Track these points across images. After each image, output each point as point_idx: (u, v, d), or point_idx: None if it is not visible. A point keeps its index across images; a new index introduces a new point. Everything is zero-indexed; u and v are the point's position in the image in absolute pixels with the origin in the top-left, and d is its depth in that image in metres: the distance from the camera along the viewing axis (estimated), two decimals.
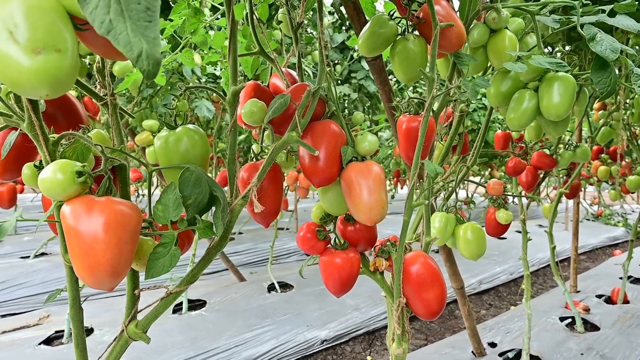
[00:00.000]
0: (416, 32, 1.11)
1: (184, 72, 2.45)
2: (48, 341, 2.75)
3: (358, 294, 4.01)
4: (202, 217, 0.80)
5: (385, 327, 3.70)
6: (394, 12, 1.11)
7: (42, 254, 4.52)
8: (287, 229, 7.00)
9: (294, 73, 1.22)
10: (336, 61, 3.92)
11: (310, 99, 0.87)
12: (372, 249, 1.12)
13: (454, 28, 1.06)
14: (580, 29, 1.01)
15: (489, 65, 1.26)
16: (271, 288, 3.91)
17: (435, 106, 1.15)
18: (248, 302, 3.50)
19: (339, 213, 1.01)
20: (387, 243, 1.09)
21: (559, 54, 1.62)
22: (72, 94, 1.11)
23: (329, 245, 1.07)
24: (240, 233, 6.38)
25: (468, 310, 2.17)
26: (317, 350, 3.04)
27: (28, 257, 4.51)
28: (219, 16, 1.90)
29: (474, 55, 1.23)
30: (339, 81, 4.05)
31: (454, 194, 1.48)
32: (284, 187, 0.96)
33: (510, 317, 3.37)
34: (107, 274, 0.60)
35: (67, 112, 0.96)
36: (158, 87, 2.49)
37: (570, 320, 3.18)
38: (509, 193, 1.66)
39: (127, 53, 0.44)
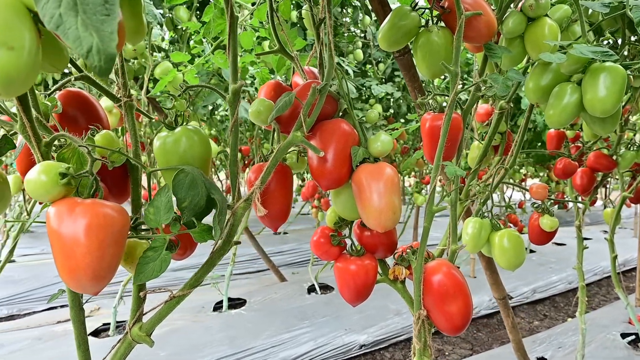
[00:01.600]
0: (442, 24, 1.03)
1: (223, 74, 2.47)
2: (95, 333, 2.89)
3: (401, 298, 3.90)
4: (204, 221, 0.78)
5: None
6: (417, 3, 1.04)
7: None
8: None
9: (316, 71, 1.17)
10: (379, 59, 3.83)
11: (316, 97, 0.82)
12: (393, 255, 1.05)
13: (482, 17, 0.97)
14: (629, 12, 0.89)
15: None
16: (311, 289, 3.88)
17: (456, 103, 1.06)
18: (287, 302, 3.50)
19: (352, 218, 0.96)
20: (408, 250, 1.02)
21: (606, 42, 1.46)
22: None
23: (345, 251, 1.02)
24: (285, 233, 6.42)
25: (512, 322, 2.02)
26: (355, 355, 2.98)
27: None
28: (251, 15, 1.90)
29: (510, 47, 1.13)
30: (383, 80, 3.95)
31: (491, 197, 1.37)
32: (292, 190, 0.91)
33: (564, 330, 3.13)
34: (87, 278, 0.58)
35: (87, 113, 0.97)
36: (199, 89, 2.54)
37: (633, 337, 2.89)
38: (554, 198, 1.52)
39: (76, 48, 0.42)
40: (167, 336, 2.83)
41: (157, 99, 2.80)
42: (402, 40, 1.04)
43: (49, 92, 0.95)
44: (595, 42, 1.05)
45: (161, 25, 2.42)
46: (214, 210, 0.77)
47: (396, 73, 3.83)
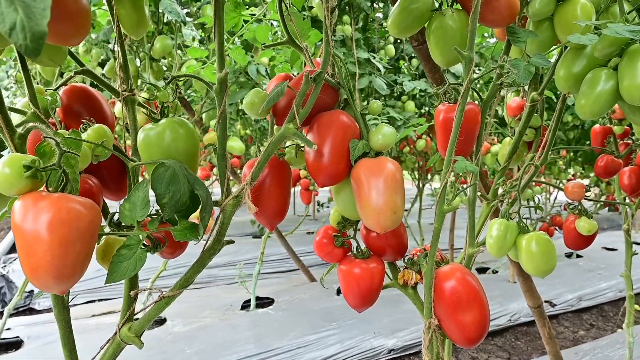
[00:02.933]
0: (458, 6, 0.94)
1: (249, 71, 2.46)
2: None
3: None
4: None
5: None
6: None
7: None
8: None
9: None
10: (412, 55, 3.70)
11: (311, 86, 0.76)
12: (402, 259, 0.98)
13: None
14: None
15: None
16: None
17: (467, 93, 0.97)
18: (316, 303, 3.45)
19: (355, 217, 0.89)
20: (419, 253, 0.94)
21: None
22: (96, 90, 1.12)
23: (350, 253, 0.95)
24: (310, 233, 6.39)
25: (549, 332, 1.87)
26: (383, 359, 2.89)
27: None
28: (268, 10, 1.86)
29: (537, 31, 1.02)
30: (417, 76, 3.82)
31: (519, 197, 1.25)
32: (290, 187, 0.86)
33: (611, 342, 2.90)
34: (50, 276, 0.55)
35: (91, 108, 0.95)
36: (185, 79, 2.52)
37: None
38: (593, 198, 1.38)
39: None
40: (194, 333, 2.86)
41: (186, 98, 2.82)
42: (414, 25, 0.96)
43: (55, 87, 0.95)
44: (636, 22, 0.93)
45: (184, 24, 2.44)
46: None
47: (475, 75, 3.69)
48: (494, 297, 3.94)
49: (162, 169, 0.67)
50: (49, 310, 3.60)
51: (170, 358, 2.56)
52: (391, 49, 3.52)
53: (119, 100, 0.93)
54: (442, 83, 1.32)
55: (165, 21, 2.53)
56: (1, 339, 2.56)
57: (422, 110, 4.06)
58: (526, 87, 1.46)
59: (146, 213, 0.64)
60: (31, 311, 3.56)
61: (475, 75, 0.84)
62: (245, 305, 3.40)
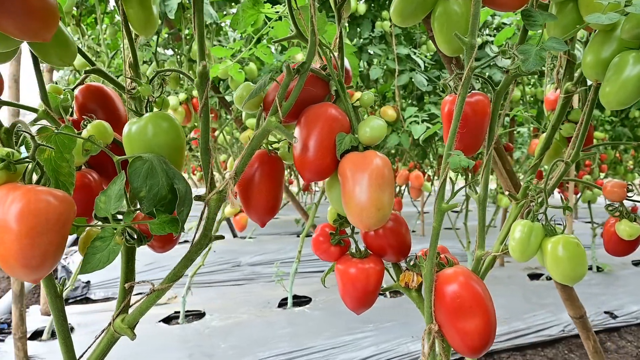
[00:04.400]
0: None
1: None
2: (168, 319, 3.07)
3: None
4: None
5: (508, 350, 3.23)
6: None
7: (185, 241, 5.11)
8: (414, 231, 6.70)
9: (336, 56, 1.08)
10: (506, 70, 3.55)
11: (294, 78, 0.74)
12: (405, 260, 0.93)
13: None
14: None
15: None
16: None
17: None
18: None
19: None
20: (419, 254, 0.89)
21: None
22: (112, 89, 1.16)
23: (348, 253, 0.91)
24: (357, 233, 6.32)
25: (594, 345, 1.71)
26: None
27: None
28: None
29: (560, 14, 0.94)
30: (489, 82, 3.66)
31: (546, 197, 1.15)
32: (283, 183, 0.84)
33: None
34: (19, 265, 0.57)
35: (105, 107, 0.98)
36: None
37: None
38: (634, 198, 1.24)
39: None
40: (230, 328, 2.92)
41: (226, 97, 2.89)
42: (417, 13, 0.91)
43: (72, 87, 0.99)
44: None
45: (216, 24, 2.48)
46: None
47: (476, 63, 3.52)
48: (546, 305, 3.70)
49: (138, 163, 0.68)
50: (103, 300, 3.83)
51: (207, 352, 2.62)
52: (431, 44, 3.40)
53: (126, 97, 0.95)
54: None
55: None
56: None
57: None
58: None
59: (119, 206, 0.65)
60: (87, 300, 3.79)
61: (476, 63, 0.78)
62: (283, 303, 3.42)
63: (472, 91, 0.91)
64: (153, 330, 2.88)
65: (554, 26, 0.95)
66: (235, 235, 5.85)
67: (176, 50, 2.64)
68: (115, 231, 0.66)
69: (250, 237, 5.69)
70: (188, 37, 2.55)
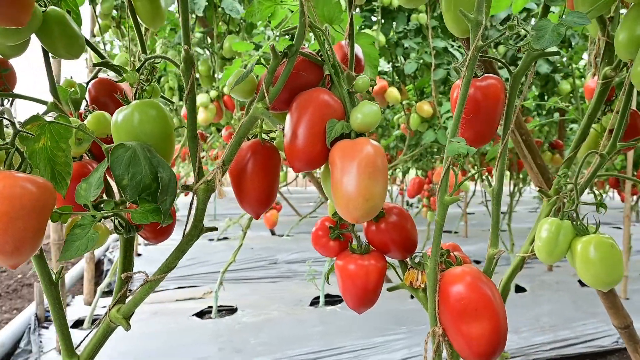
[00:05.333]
0: None
1: None
2: (201, 314, 3.13)
3: (521, 313, 3.41)
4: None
5: (553, 359, 3.03)
6: None
7: (224, 237, 5.23)
8: (456, 232, 6.48)
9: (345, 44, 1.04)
10: (499, 41, 3.36)
11: (281, 62, 0.70)
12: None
13: None
14: None
15: None
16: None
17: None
18: (386, 304, 3.31)
19: None
20: (424, 252, 0.83)
21: None
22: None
23: (349, 248, 0.87)
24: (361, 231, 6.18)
25: None
26: None
27: (213, 239, 5.27)
28: None
29: None
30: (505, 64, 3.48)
31: (576, 192, 1.04)
32: (279, 174, 0.81)
33: None
34: None
35: (116, 100, 1.00)
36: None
37: None
38: None
39: None
40: (261, 324, 2.93)
41: None
42: None
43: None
44: None
45: (244, 20, 2.49)
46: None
47: (520, 56, 3.33)
48: (598, 313, 3.44)
49: (121, 150, 0.67)
50: None
51: (236, 347, 2.64)
52: None
53: (134, 90, 0.95)
54: (484, 60, 1.15)
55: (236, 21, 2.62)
56: (95, 315, 2.88)
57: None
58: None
59: (98, 193, 0.64)
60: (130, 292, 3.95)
61: (481, 42, 0.71)
62: (315, 302, 3.40)
63: (485, 74, 0.83)
64: (186, 324, 2.94)
65: (582, 2, 0.85)
66: (273, 233, 5.90)
67: (209, 48, 2.68)
68: (94, 219, 0.65)
69: (287, 235, 5.72)
70: (220, 36, 2.59)
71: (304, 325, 2.97)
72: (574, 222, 1.00)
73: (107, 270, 4.10)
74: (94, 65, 1.02)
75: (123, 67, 0.78)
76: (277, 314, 3.07)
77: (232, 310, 3.20)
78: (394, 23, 3.18)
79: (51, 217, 0.65)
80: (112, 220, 0.76)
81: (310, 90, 0.73)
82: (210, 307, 3.14)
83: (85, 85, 0.98)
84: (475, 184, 6.25)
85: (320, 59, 0.76)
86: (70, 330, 2.32)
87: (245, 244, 4.47)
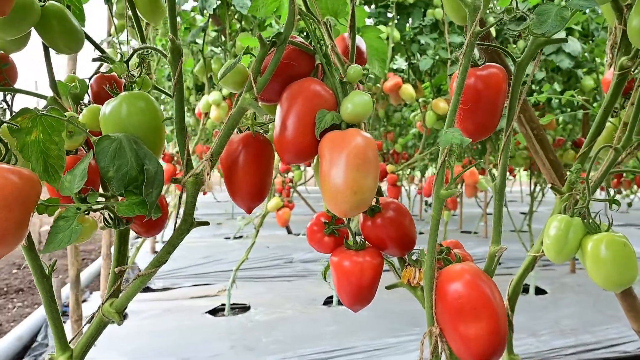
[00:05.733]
0: None
1: None
2: (214, 311, 3.14)
3: (541, 316, 3.31)
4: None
5: None
6: None
7: (240, 236, 5.25)
8: (476, 232, 6.36)
9: (348, 37, 1.02)
10: (517, 36, 3.27)
11: (270, 51, 0.68)
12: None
13: None
14: None
15: None
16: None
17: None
18: (402, 305, 3.27)
19: None
20: (422, 249, 0.80)
21: None
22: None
23: (345, 244, 0.84)
24: (420, 233, 6.11)
25: None
26: None
27: (229, 238, 5.31)
28: None
29: None
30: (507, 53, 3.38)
31: (588, 188, 0.99)
32: (272, 167, 0.79)
33: None
34: None
35: None
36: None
37: None
38: None
39: None
40: (274, 323, 2.92)
41: None
42: None
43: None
44: None
45: (255, 17, 2.48)
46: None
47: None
48: (622, 317, 3.30)
49: (106, 142, 0.66)
50: (162, 289, 4.01)
51: (248, 345, 2.64)
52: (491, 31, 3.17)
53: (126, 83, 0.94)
54: (492, 51, 1.11)
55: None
56: None
57: (533, 99, 3.57)
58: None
59: (82, 185, 0.63)
60: (148, 289, 4.00)
61: (478, 28, 0.67)
62: (328, 301, 3.38)
63: (487, 63, 0.79)
64: (199, 321, 2.96)
65: None
66: (289, 232, 5.90)
67: (222, 47, 2.69)
68: (78, 211, 0.64)
69: (304, 234, 5.71)
70: (232, 35, 2.59)
71: (317, 325, 2.95)
72: (585, 220, 0.95)
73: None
74: (93, 60, 1.02)
75: (112, 58, 0.77)
76: (290, 313, 3.06)
77: (245, 309, 3.21)
78: (410, 19, 3.13)
79: (37, 208, 0.64)
80: (101, 213, 0.76)
81: (300, 80, 0.71)
82: (224, 304, 3.16)
83: (87, 80, 0.98)
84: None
85: (312, 48, 0.74)
86: (86, 325, 2.31)
87: (261, 242, 4.49)
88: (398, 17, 3.03)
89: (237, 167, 0.78)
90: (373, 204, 0.83)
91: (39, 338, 2.51)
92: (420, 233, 6.22)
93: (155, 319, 2.91)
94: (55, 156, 0.77)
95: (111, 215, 0.76)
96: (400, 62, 3.76)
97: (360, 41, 1.12)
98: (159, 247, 5.10)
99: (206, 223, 0.80)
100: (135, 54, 0.75)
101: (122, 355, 2.46)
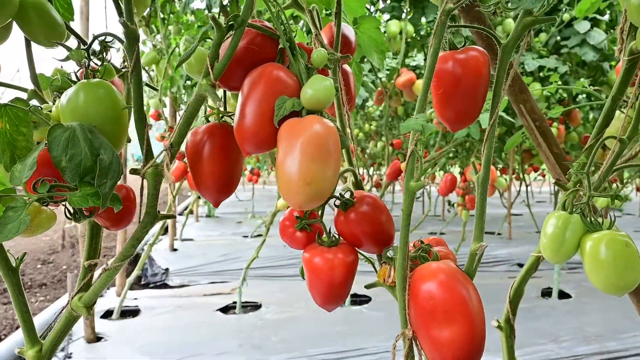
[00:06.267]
0: None
1: None
2: (225, 309, 3.14)
3: (564, 321, 3.17)
4: None
5: None
6: None
7: (259, 235, 5.25)
8: (499, 233, 6.17)
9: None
10: (540, 28, 3.14)
11: (225, 35, 0.65)
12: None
13: None
14: None
15: None
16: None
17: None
18: None
19: None
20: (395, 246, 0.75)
21: None
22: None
23: (317, 240, 0.80)
24: (442, 234, 5.97)
25: None
26: None
27: (247, 236, 5.32)
28: None
29: None
30: (548, 52, 3.25)
31: (588, 182, 0.92)
32: (241, 158, 0.76)
33: None
34: None
35: None
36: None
37: None
38: None
39: None
40: (283, 322, 2.90)
41: None
42: None
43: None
44: None
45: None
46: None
47: (563, 44, 3.09)
48: None
49: (58, 131, 0.64)
50: (179, 286, 4.05)
51: (256, 343, 2.63)
52: (510, 23, 3.05)
53: (120, 76, 0.93)
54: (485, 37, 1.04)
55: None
56: (124, 306, 2.97)
57: (557, 95, 3.42)
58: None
59: (30, 174, 0.61)
60: (165, 286, 4.05)
61: (450, 5, 0.62)
62: None
63: (467, 45, 0.74)
64: (209, 319, 2.97)
65: None
66: None
67: None
68: (27, 201, 0.62)
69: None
70: None
71: (327, 325, 2.91)
72: (586, 217, 0.88)
73: (144, 264, 4.22)
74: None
75: (69, 47, 0.75)
76: (301, 312, 3.03)
77: (256, 307, 3.20)
78: (424, 13, 3.05)
79: None
80: (63, 205, 0.74)
81: (262, 66, 0.67)
82: (235, 302, 3.15)
83: (74, 73, 0.97)
84: (522, 184, 5.92)
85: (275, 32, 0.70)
86: (100, 320, 2.39)
87: (279, 241, 4.46)
88: (408, 10, 2.94)
89: (201, 158, 0.75)
90: (347, 197, 0.78)
91: None
92: (442, 234, 6.08)
93: (168, 315, 2.93)
94: (23, 147, 0.76)
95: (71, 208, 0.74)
96: (420, 59, 3.67)
97: (348, 30, 1.08)
98: (177, 244, 5.17)
99: (172, 216, 0.78)
100: (97, 41, 0.73)
101: (132, 350, 2.49)
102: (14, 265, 0.79)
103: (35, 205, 0.69)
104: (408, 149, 0.65)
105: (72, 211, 0.73)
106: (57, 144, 0.64)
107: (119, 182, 0.84)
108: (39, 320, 2.63)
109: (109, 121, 0.70)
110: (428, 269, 0.69)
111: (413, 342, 0.71)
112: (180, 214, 5.60)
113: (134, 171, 0.73)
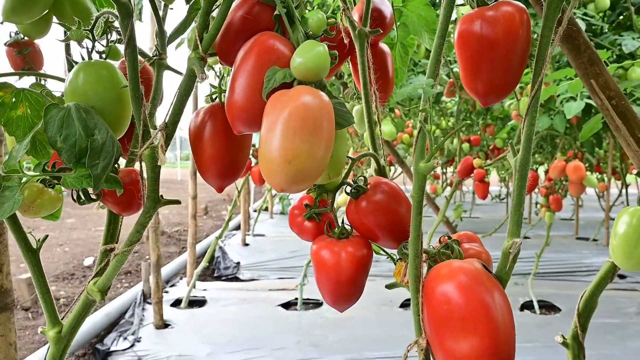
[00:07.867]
0: None
1: None
2: (287, 305, 3.14)
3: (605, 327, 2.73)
4: None
5: None
6: None
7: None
8: (595, 239, 5.53)
9: None
10: None
11: (214, 3, 0.59)
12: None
13: None
14: None
15: None
16: (528, 306, 3.15)
17: None
18: None
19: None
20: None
21: None
22: None
23: (327, 231, 0.72)
24: (526, 237, 5.49)
25: None
26: None
27: None
28: None
29: None
30: None
31: None
32: (247, 142, 0.71)
33: None
34: None
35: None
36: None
37: None
38: None
39: None
40: (343, 322, 2.82)
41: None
42: None
43: None
44: None
45: None
46: None
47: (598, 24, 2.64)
48: None
49: (54, 111, 0.63)
50: (249, 280, 4.15)
51: (314, 341, 2.59)
52: (604, 0, 2.68)
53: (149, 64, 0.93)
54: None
55: None
56: (192, 296, 3.10)
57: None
58: None
59: (23, 154, 0.61)
60: (236, 279, 4.17)
61: None
62: (406, 304, 3.17)
63: (501, 1, 0.61)
64: (270, 314, 2.98)
65: None
66: None
67: None
68: (22, 182, 0.62)
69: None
70: None
71: (388, 327, 2.78)
72: None
73: (217, 257, 4.40)
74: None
75: (69, 26, 0.74)
76: (364, 313, 2.93)
77: (318, 304, 3.15)
78: None
79: None
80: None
81: (255, 35, 0.61)
82: (297, 299, 3.14)
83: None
84: (623, 185, 5.23)
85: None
86: (169, 308, 2.50)
87: None
88: None
89: (203, 141, 0.70)
90: (361, 184, 0.69)
91: (126, 316, 2.75)
92: (526, 237, 5.60)
93: (233, 308, 3.00)
94: (44, 132, 0.77)
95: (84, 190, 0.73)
96: None
97: (383, 4, 0.98)
98: (249, 240, 5.32)
99: (177, 202, 0.74)
100: (100, 20, 0.72)
101: (197, 338, 2.58)
102: (34, 247, 0.81)
103: (38, 187, 0.69)
104: (417, 126, 0.54)
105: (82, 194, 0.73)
106: (53, 124, 0.63)
107: (131, 167, 0.83)
108: (115, 305, 2.84)
109: (108, 102, 0.69)
110: (447, 268, 0.58)
111: (429, 353, 0.61)
112: (255, 211, 5.75)
113: (131, 153, 0.71)
